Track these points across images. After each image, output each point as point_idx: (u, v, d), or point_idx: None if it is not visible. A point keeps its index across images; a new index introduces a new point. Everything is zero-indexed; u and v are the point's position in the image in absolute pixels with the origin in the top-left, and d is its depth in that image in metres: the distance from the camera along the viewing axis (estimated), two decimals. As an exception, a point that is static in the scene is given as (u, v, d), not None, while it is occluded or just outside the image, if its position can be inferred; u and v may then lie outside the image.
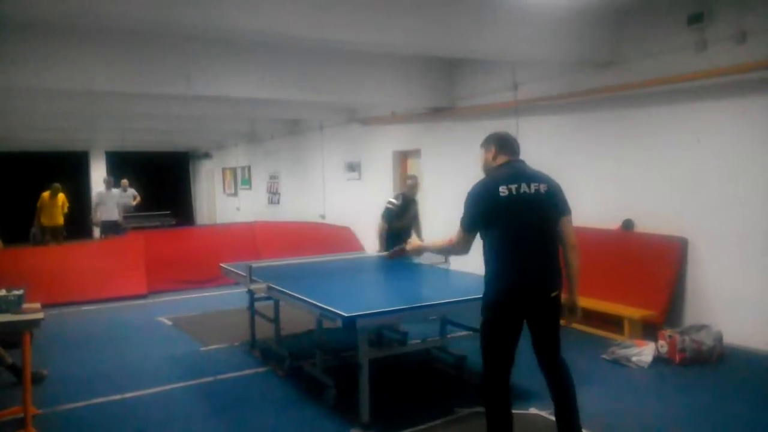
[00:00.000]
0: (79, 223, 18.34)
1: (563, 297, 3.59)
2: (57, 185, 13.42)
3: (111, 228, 12.77)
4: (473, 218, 3.43)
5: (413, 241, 4.28)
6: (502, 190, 3.37)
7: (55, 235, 13.22)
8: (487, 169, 3.64)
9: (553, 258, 3.49)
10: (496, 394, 3.47)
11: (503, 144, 3.63)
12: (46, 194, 13.33)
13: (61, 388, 5.17)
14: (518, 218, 3.38)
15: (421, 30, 5.87)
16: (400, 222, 7.38)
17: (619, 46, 6.89)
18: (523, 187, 3.40)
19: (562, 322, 3.63)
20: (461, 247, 3.49)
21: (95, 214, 13.22)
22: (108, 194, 13.09)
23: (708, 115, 6.14)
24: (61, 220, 13.63)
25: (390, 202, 7.44)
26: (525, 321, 3.48)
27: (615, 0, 6.43)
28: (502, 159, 3.58)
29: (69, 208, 13.82)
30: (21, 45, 6.50)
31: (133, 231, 12.39)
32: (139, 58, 7.13)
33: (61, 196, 13.60)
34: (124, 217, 14.28)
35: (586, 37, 6.77)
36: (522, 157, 3.67)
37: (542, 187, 3.46)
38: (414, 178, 7.77)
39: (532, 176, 3.49)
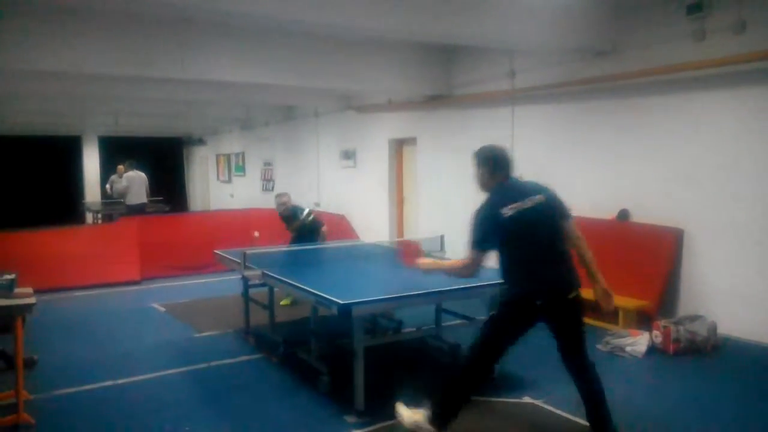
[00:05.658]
0: (71, 207, 18.30)
1: (596, 287, 3.72)
2: None
3: (138, 211, 12.67)
4: (482, 241, 3.51)
5: (425, 260, 4.09)
6: (505, 211, 3.48)
7: None
8: (484, 186, 3.71)
9: (565, 261, 3.61)
10: (473, 381, 3.63)
11: (497, 165, 3.68)
12: None
13: (53, 373, 5.14)
14: (525, 234, 3.50)
15: (417, 16, 5.80)
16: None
17: (618, 34, 6.84)
18: (525, 204, 3.51)
19: (601, 310, 3.76)
20: (474, 269, 3.56)
21: (125, 198, 13.02)
22: (136, 177, 12.93)
23: (706, 106, 6.12)
24: None
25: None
26: (549, 326, 3.62)
27: (614, -12, 6.39)
28: (497, 179, 3.65)
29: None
30: (12, 27, 6.39)
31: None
32: (133, 41, 7.02)
33: None
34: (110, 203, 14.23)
35: (585, 24, 6.72)
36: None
37: (540, 198, 3.57)
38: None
39: (529, 191, 3.60)
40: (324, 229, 7.64)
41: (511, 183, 3.66)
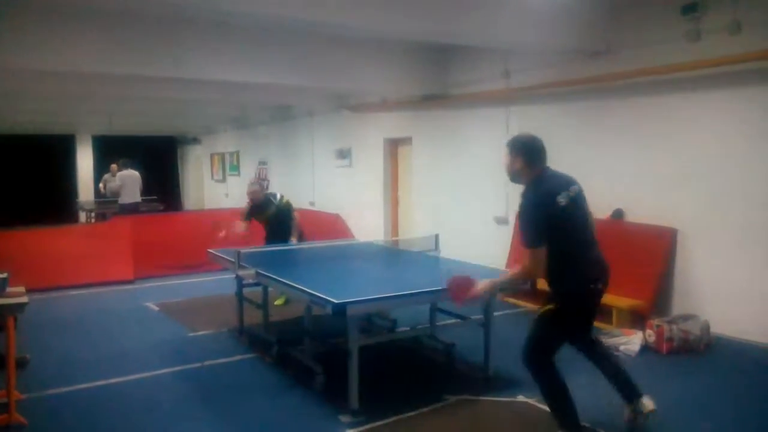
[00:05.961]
0: (65, 206, 18.24)
1: None
2: None
3: (132, 210, 12.62)
4: (540, 232, 3.47)
5: (481, 285, 3.75)
6: (560, 200, 3.50)
7: None
8: (516, 176, 3.71)
9: (598, 244, 3.71)
10: (554, 375, 3.65)
11: (534, 155, 3.65)
12: None
13: (46, 373, 5.10)
14: (577, 222, 3.60)
15: (412, 15, 5.79)
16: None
17: (613, 34, 6.85)
18: (570, 193, 3.57)
19: None
20: (536, 266, 3.52)
21: (118, 197, 13.00)
22: (129, 176, 12.88)
23: (701, 106, 6.14)
24: None
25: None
26: None
27: (609, -12, 6.40)
28: (536, 170, 3.63)
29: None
30: (5, 26, 6.35)
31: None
32: (127, 39, 6.99)
33: None
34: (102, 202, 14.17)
35: (580, 25, 6.73)
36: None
37: (576, 189, 3.64)
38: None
39: (567, 181, 3.65)
40: (296, 214, 7.58)
41: (552, 173, 3.66)
